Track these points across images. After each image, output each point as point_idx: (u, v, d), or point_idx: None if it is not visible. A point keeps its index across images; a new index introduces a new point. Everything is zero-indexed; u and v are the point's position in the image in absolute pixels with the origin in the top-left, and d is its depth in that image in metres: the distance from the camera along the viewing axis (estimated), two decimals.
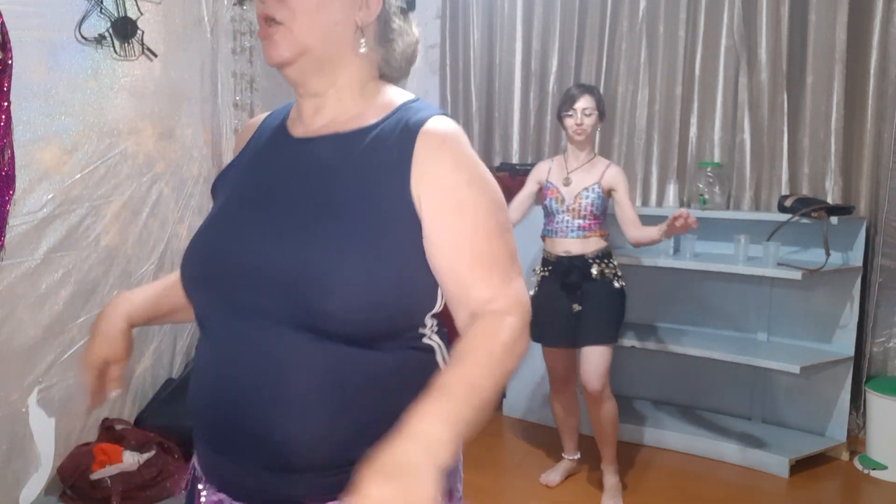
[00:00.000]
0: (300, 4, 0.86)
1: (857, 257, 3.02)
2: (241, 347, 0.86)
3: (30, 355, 2.26)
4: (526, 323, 0.87)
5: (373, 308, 0.82)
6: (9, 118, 2.09)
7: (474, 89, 4.05)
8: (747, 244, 3.08)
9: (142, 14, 2.53)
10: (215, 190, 1.02)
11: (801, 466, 2.95)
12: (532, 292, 2.74)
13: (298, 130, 0.95)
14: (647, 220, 3.50)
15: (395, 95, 0.95)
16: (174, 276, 1.05)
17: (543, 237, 2.77)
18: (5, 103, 2.08)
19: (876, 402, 2.94)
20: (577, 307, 2.62)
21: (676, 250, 3.38)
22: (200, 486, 0.94)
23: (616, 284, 2.65)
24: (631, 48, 3.59)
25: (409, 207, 0.86)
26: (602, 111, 2.68)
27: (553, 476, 2.83)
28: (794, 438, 3.13)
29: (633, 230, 2.63)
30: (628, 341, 3.27)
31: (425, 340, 0.93)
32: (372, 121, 0.91)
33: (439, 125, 0.89)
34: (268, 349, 0.84)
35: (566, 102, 2.66)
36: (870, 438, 3.01)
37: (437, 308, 0.92)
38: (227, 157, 3.04)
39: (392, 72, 0.97)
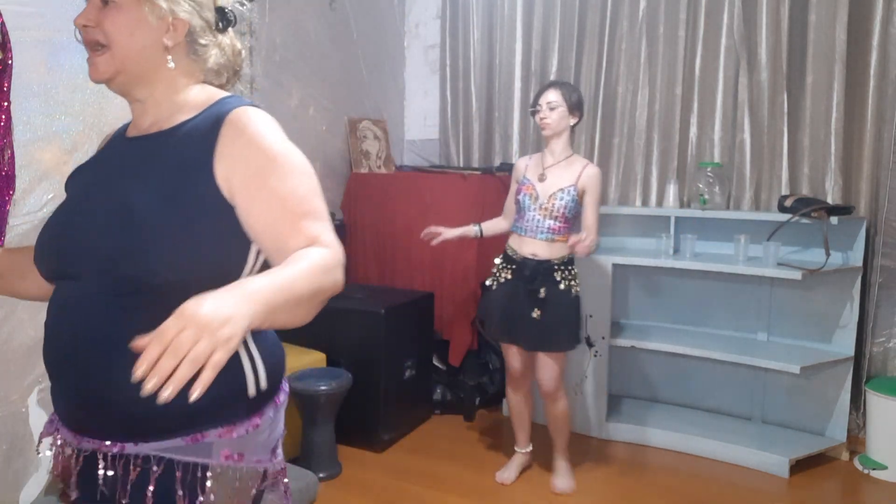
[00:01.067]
0: (115, 33, 1.05)
1: (857, 257, 3.02)
2: (72, 311, 1.04)
3: (30, 355, 2.26)
4: (339, 261, 0.99)
5: (182, 275, 0.97)
6: (9, 118, 2.09)
7: (474, 89, 4.06)
8: (747, 244, 3.08)
9: None
10: (67, 186, 1.19)
11: (801, 466, 2.95)
12: (489, 283, 2.76)
13: (132, 132, 1.15)
14: (646, 219, 3.52)
15: (212, 95, 1.12)
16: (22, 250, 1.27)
17: (511, 233, 2.74)
18: (5, 103, 2.07)
19: (876, 402, 2.95)
20: (537, 313, 2.61)
21: (676, 250, 3.38)
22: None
23: (573, 293, 2.65)
24: (631, 48, 3.59)
25: (213, 188, 1.01)
26: (574, 106, 2.62)
27: (508, 473, 2.85)
28: (794, 438, 3.13)
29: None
30: (628, 341, 3.27)
31: None
32: (187, 117, 1.08)
33: (242, 114, 1.04)
34: (90, 310, 1.01)
35: (534, 99, 2.69)
36: (870, 438, 3.01)
37: (245, 275, 1.06)
38: None
39: (213, 79, 1.17)
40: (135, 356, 0.92)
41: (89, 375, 1.01)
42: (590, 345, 3.30)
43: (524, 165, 2.75)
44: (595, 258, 3.26)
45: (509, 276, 2.68)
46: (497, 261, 2.75)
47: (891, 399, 2.88)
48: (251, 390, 1.08)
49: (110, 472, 1.03)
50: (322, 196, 1.06)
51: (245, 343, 1.08)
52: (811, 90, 3.18)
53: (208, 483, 1.03)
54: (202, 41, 1.12)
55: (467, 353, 3.54)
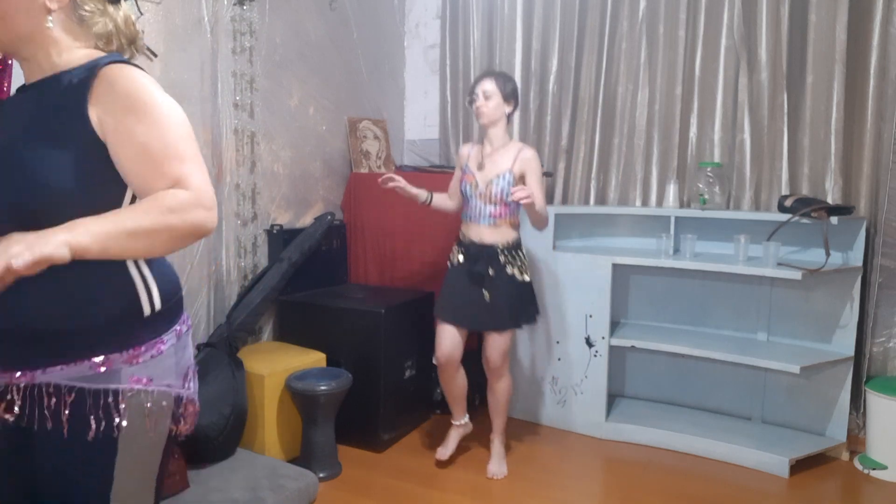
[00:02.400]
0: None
1: (857, 257, 3.02)
2: None
3: None
4: (200, 201, 1.08)
5: (69, 206, 1.06)
6: None
7: None
8: (747, 244, 3.08)
9: (142, 14, 2.53)
10: None
11: (801, 466, 2.96)
12: (448, 265, 2.86)
13: (26, 83, 1.24)
14: (646, 219, 3.52)
15: (92, 54, 1.20)
16: None
17: (462, 220, 2.84)
18: None
19: (876, 402, 2.95)
20: (487, 295, 2.71)
21: (676, 250, 3.38)
22: None
23: (520, 278, 2.73)
24: (631, 48, 3.59)
25: (89, 130, 1.10)
26: (508, 95, 2.72)
27: (447, 449, 2.95)
28: (794, 438, 3.13)
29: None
30: (628, 341, 3.27)
31: None
32: (67, 69, 1.17)
33: (115, 68, 1.13)
34: None
35: (470, 88, 2.78)
36: (870, 438, 3.02)
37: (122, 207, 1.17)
38: (228, 157, 3.04)
39: (104, 45, 1.23)
40: (30, 284, 1.04)
41: (6, 305, 1.10)
42: (590, 344, 3.30)
43: (466, 153, 2.85)
44: (595, 258, 3.26)
45: (461, 260, 2.79)
46: (454, 246, 2.86)
47: (891, 399, 2.89)
48: (146, 310, 1.18)
49: (22, 402, 1.13)
50: (194, 141, 1.14)
51: (136, 265, 1.18)
52: (811, 90, 3.18)
53: (121, 406, 1.13)
54: (87, 8, 1.19)
55: (467, 353, 3.54)
